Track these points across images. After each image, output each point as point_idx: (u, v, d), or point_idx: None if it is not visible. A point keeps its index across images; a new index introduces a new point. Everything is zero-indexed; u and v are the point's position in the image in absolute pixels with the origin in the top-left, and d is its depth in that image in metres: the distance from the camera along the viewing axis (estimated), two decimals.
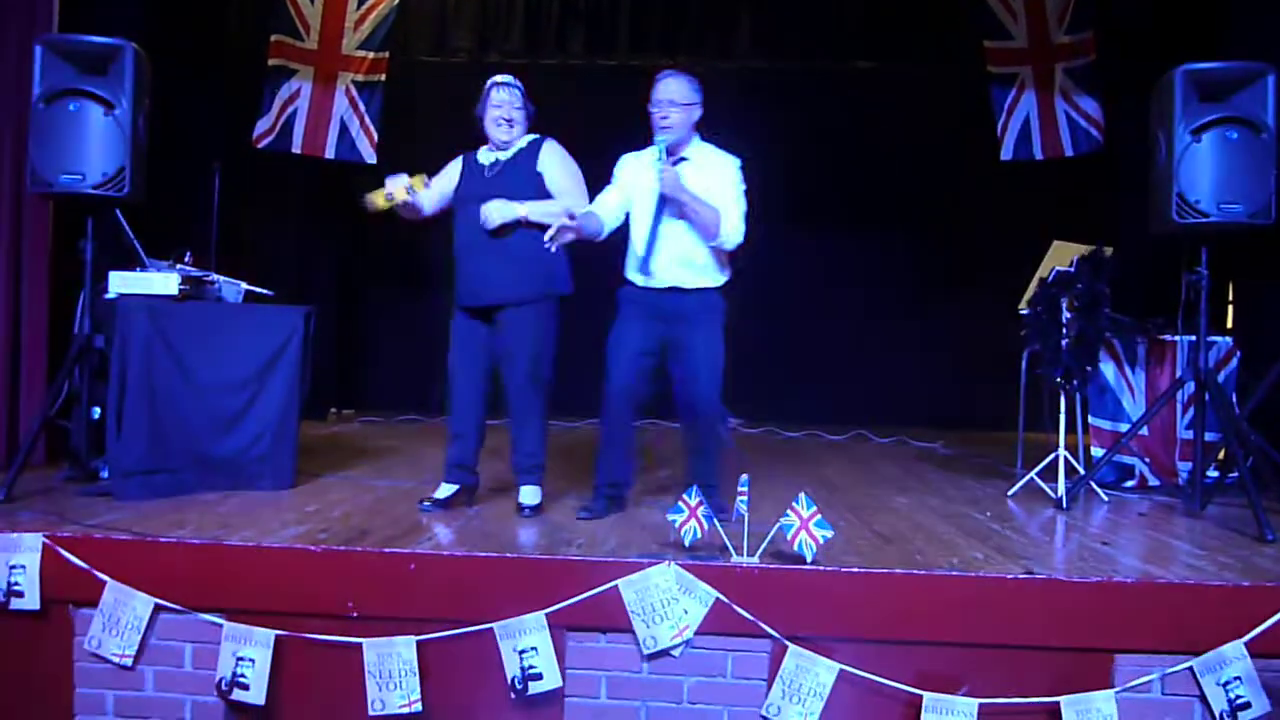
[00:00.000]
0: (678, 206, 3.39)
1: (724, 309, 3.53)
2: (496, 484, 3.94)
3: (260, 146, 6.23)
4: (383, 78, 6.33)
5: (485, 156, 3.60)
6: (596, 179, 3.63)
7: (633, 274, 3.52)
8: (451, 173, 3.64)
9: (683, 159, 3.47)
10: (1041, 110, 6.24)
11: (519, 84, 3.59)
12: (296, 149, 6.28)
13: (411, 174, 3.48)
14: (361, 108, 6.29)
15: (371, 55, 6.29)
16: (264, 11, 6.31)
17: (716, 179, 3.45)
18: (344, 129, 6.31)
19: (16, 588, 2.84)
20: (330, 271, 7.30)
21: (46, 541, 2.86)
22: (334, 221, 7.25)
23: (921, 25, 6.80)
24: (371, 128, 6.30)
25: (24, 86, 3.87)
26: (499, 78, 3.58)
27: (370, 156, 6.29)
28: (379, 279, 7.46)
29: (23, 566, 2.85)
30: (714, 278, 3.51)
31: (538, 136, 3.59)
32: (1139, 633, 2.70)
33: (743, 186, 3.49)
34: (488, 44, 7.00)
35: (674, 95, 3.42)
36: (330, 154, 6.32)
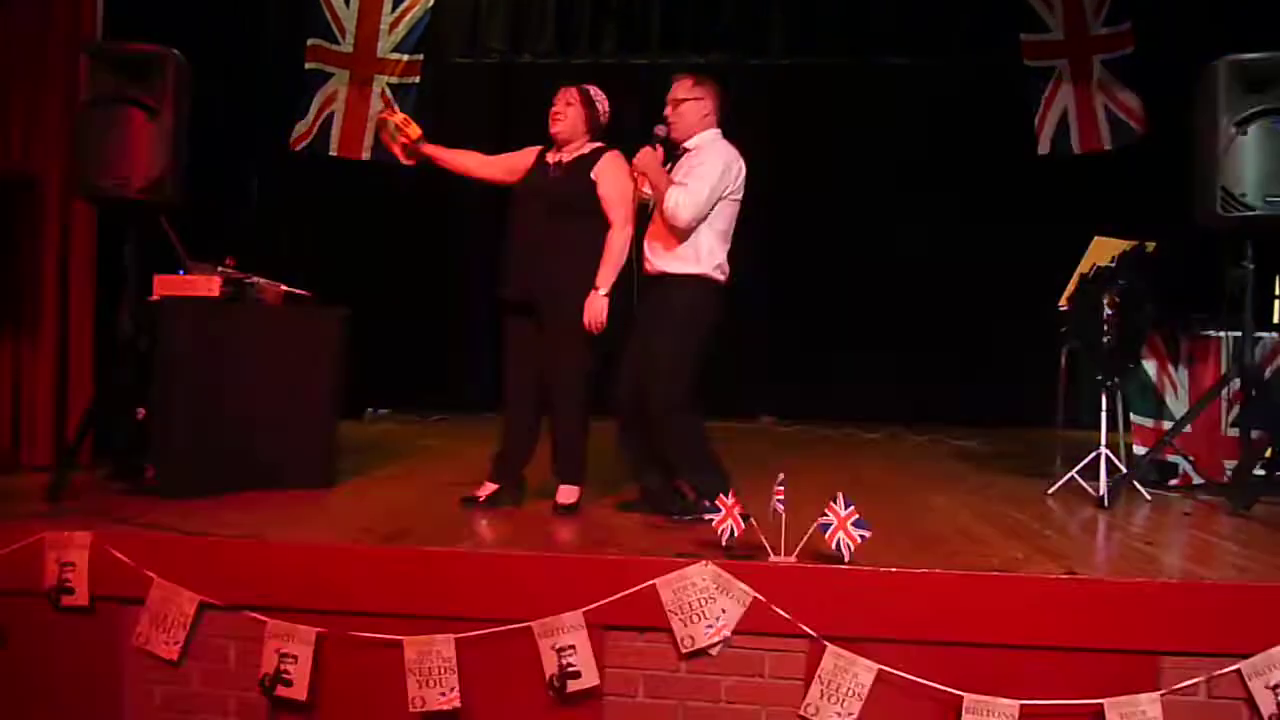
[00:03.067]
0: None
1: (697, 296, 3.44)
2: (531, 483, 3.96)
3: (297, 149, 6.32)
4: (417, 79, 6.39)
5: (551, 155, 3.64)
6: None
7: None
8: (524, 159, 3.65)
9: (685, 149, 3.53)
10: (1079, 103, 6.17)
11: (587, 88, 3.64)
12: (333, 151, 6.36)
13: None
14: (397, 109, 6.34)
15: (406, 57, 6.35)
16: (300, 16, 6.38)
17: (699, 162, 3.47)
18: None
19: (67, 585, 2.91)
20: (366, 272, 7.37)
21: (95, 540, 2.92)
22: (369, 222, 7.32)
23: (956, 19, 6.73)
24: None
25: (71, 93, 3.95)
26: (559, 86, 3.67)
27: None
28: (414, 280, 7.52)
29: (73, 564, 2.91)
30: (681, 264, 3.45)
31: (603, 145, 3.63)
32: (1184, 634, 2.66)
33: (709, 170, 3.41)
34: (520, 44, 7.02)
35: (675, 92, 3.54)
36: (367, 156, 6.38)
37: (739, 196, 3.51)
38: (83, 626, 2.95)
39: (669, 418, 3.41)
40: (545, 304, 3.50)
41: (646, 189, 3.57)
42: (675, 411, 3.41)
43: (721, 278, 3.50)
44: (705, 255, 3.45)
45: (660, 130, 3.50)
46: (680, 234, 3.42)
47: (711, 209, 3.42)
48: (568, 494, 3.56)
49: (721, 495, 2.90)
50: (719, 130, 3.56)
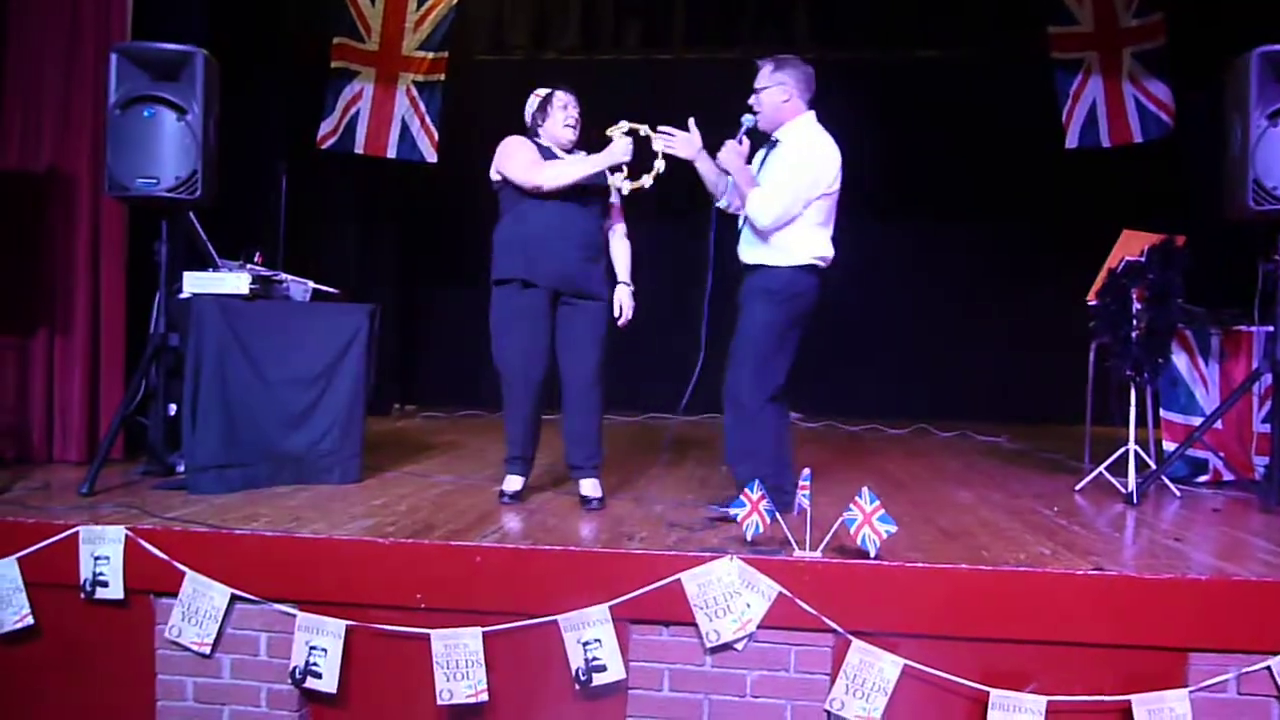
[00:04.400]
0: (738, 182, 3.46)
1: (785, 290, 3.40)
2: (551, 477, 3.98)
3: (324, 148, 6.37)
4: (442, 77, 6.41)
5: (555, 153, 3.64)
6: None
7: None
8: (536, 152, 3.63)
9: (775, 141, 3.48)
10: (1108, 96, 6.09)
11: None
12: (359, 149, 6.40)
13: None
14: (422, 107, 6.38)
15: (431, 55, 6.38)
16: (326, 14, 6.43)
17: (783, 158, 3.44)
18: (405, 129, 6.41)
19: (101, 578, 2.96)
20: (391, 269, 7.44)
21: (129, 534, 2.97)
22: (395, 220, 7.38)
23: (982, 11, 6.68)
24: (432, 127, 6.39)
25: (100, 93, 4.01)
26: (559, 87, 3.65)
27: (431, 156, 6.39)
28: (439, 276, 7.57)
29: (107, 557, 2.96)
30: (771, 257, 3.43)
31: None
32: (1214, 631, 2.63)
33: (798, 168, 3.37)
34: (544, 41, 7.05)
35: (756, 81, 3.50)
36: (392, 154, 6.42)
37: (833, 190, 3.43)
38: (116, 619, 3.01)
39: (758, 409, 3.38)
40: (585, 297, 3.56)
41: (647, 180, 3.53)
42: (759, 402, 3.38)
43: (820, 265, 3.45)
44: (797, 248, 3.40)
45: (747, 121, 3.46)
46: (767, 231, 3.40)
47: (800, 207, 3.36)
48: (595, 487, 3.59)
49: (747, 490, 2.91)
50: (811, 114, 3.49)
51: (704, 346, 3.49)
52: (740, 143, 3.46)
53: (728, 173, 3.50)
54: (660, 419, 6.52)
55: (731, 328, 3.49)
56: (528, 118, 3.67)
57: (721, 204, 3.62)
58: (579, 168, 3.48)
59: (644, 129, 3.52)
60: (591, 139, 3.65)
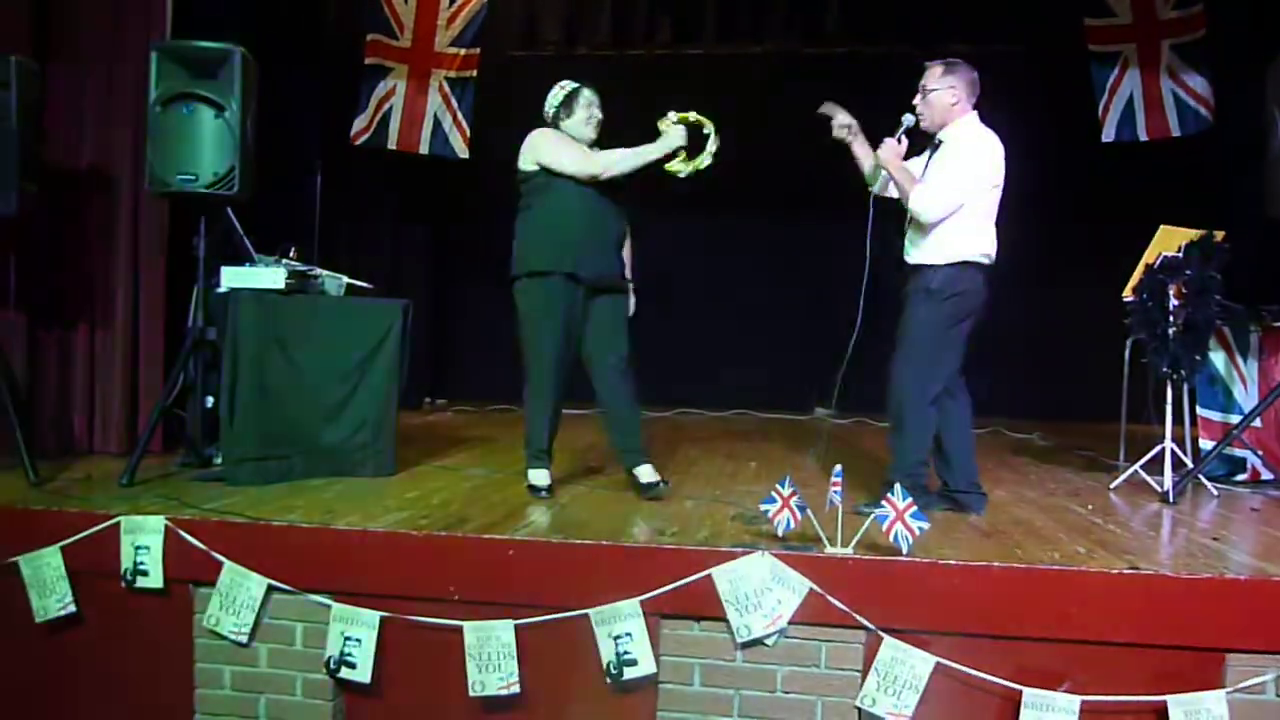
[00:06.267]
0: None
1: (946, 288, 3.41)
2: (583, 470, 3.99)
3: (357, 144, 6.42)
4: (474, 73, 6.44)
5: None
6: None
7: None
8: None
9: (939, 142, 3.50)
10: (1146, 89, 6.00)
11: None
12: (392, 146, 6.44)
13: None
14: (454, 104, 6.41)
15: (463, 52, 6.40)
16: (360, 12, 6.48)
17: (948, 155, 3.45)
18: (437, 125, 6.45)
19: (142, 567, 3.01)
20: (424, 264, 7.48)
21: (168, 524, 3.02)
22: (427, 215, 7.43)
23: (1017, 3, 6.60)
24: (464, 123, 6.42)
25: (141, 91, 4.07)
26: (585, 85, 3.68)
27: (463, 152, 6.42)
28: (469, 271, 7.60)
29: (147, 547, 3.01)
30: (931, 255, 3.44)
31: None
32: (1252, 632, 2.60)
33: (965, 162, 3.39)
34: (576, 37, 7.06)
35: (924, 80, 3.52)
36: (424, 150, 6.46)
37: (998, 183, 3.45)
38: (156, 607, 3.06)
39: (909, 396, 3.43)
40: (616, 290, 3.63)
41: (705, 158, 3.55)
42: (918, 393, 3.42)
43: (985, 261, 3.46)
44: (959, 244, 3.41)
45: (908, 120, 3.48)
46: (929, 228, 3.41)
47: (963, 200, 3.38)
48: (654, 471, 3.65)
49: (778, 486, 2.90)
50: (974, 114, 3.51)
51: (853, 344, 3.59)
52: (899, 141, 3.48)
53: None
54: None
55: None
56: (548, 110, 3.67)
57: (875, 188, 3.68)
58: (634, 157, 3.53)
59: (693, 115, 3.55)
60: (616, 137, 3.66)
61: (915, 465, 3.45)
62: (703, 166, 3.58)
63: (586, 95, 3.64)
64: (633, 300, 3.77)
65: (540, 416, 3.64)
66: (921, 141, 3.55)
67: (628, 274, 3.75)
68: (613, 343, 3.62)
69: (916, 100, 3.49)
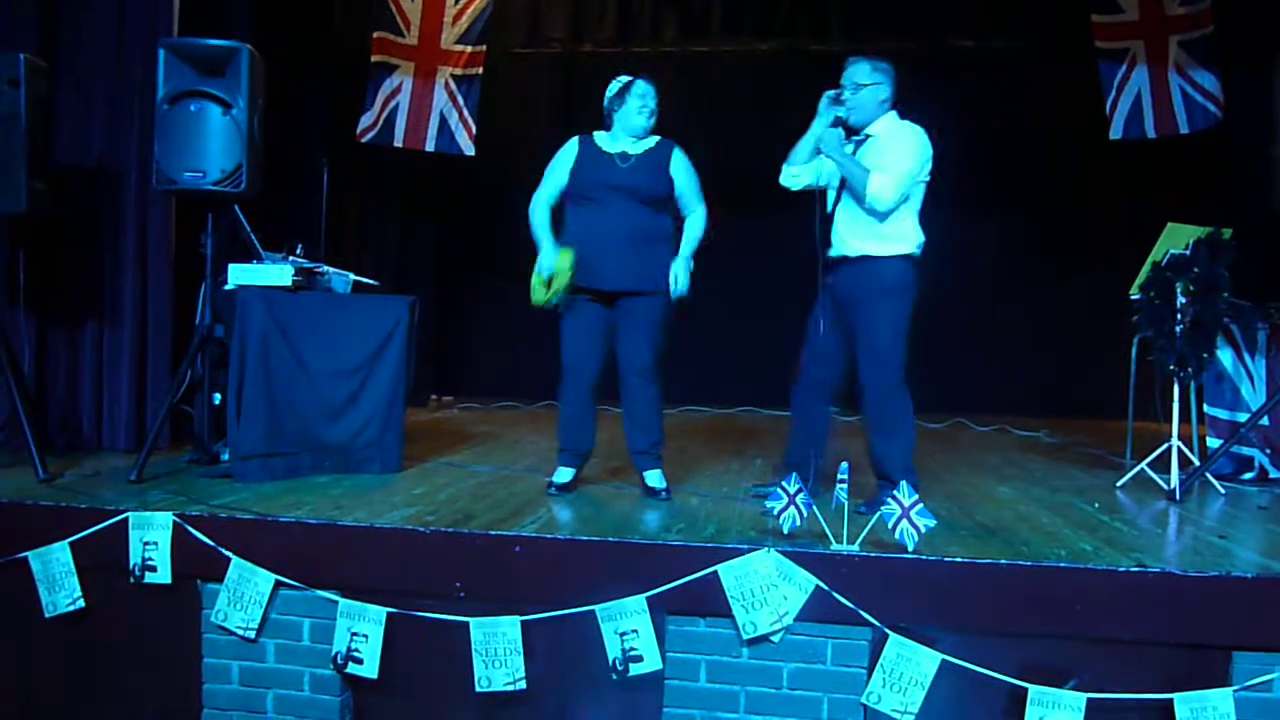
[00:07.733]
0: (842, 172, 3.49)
1: (901, 285, 3.45)
2: (596, 469, 3.99)
3: (364, 141, 6.43)
4: (480, 71, 6.44)
5: (610, 145, 3.63)
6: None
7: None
8: (566, 162, 3.64)
9: (867, 136, 3.50)
10: (1154, 86, 5.97)
11: None
12: (398, 143, 6.45)
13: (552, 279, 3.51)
14: (460, 101, 6.41)
15: (469, 49, 6.40)
16: (366, 10, 6.48)
17: (891, 148, 3.45)
18: (443, 122, 6.45)
19: (150, 562, 3.03)
20: (429, 261, 7.49)
21: (176, 520, 3.04)
22: (433, 212, 7.43)
23: (1023, 1, 6.59)
24: (470, 120, 6.42)
25: (148, 88, 4.08)
26: (640, 76, 3.66)
27: (469, 149, 6.42)
28: (476, 269, 7.62)
29: (155, 543, 3.03)
30: (878, 247, 3.45)
31: (662, 139, 3.66)
32: (1259, 630, 2.60)
33: (912, 153, 3.41)
34: (581, 34, 7.07)
35: (853, 76, 3.51)
36: (430, 147, 6.46)
37: (928, 178, 3.49)
38: (164, 603, 3.08)
39: (892, 395, 3.43)
40: (633, 297, 3.55)
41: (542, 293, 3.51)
42: (898, 389, 3.43)
43: (919, 254, 3.50)
44: (911, 234, 3.46)
45: (840, 111, 3.48)
46: (880, 217, 3.42)
47: (908, 191, 3.41)
48: (662, 477, 3.65)
49: (784, 483, 2.91)
50: (896, 113, 3.53)
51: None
52: (858, 142, 3.49)
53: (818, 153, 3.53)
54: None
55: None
56: (606, 103, 3.67)
57: (796, 181, 3.65)
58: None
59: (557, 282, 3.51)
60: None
61: (910, 461, 3.46)
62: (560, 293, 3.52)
63: (640, 86, 3.63)
64: (686, 273, 3.57)
65: (561, 419, 3.69)
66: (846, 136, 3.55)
67: (673, 267, 3.56)
68: (635, 345, 3.59)
69: (847, 95, 3.47)
